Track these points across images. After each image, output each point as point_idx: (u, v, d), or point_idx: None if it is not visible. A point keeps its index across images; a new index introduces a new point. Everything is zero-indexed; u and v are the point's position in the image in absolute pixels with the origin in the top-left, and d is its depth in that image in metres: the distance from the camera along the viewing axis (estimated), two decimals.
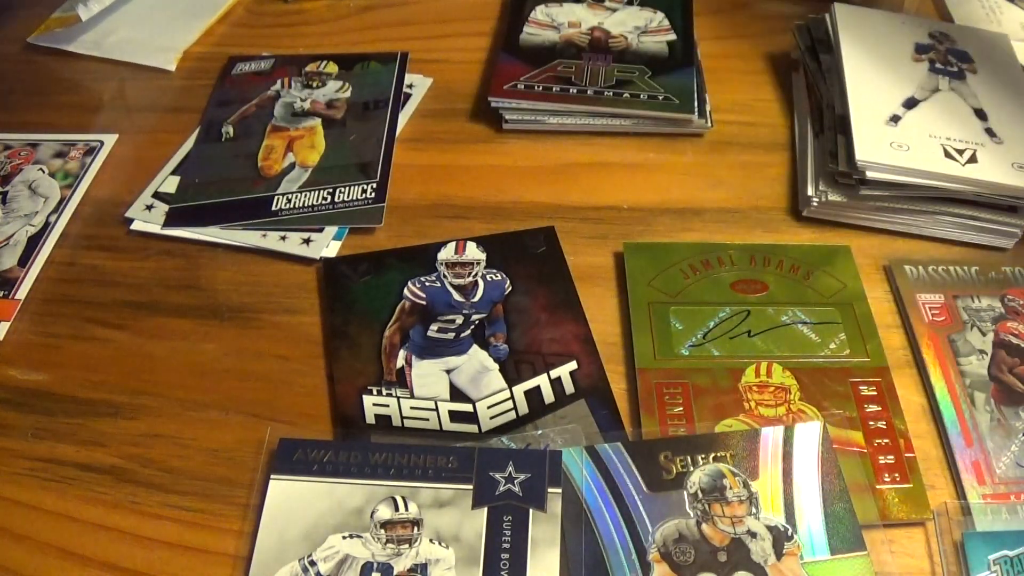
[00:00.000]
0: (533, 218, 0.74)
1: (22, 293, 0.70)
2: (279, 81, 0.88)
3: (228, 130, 0.83)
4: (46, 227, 0.75)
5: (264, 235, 0.73)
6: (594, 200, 0.76)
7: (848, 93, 0.75)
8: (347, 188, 0.76)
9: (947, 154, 0.70)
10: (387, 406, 0.61)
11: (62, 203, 0.77)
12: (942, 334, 0.63)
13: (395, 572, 0.51)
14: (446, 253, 0.70)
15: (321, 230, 0.73)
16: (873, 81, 0.77)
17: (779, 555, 0.51)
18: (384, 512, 0.53)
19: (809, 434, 0.56)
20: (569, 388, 0.61)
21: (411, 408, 0.61)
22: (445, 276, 0.68)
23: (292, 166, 0.78)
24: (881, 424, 0.58)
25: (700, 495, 0.54)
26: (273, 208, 0.74)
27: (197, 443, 0.60)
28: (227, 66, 0.91)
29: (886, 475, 0.56)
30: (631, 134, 0.81)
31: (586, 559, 0.52)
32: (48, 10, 1.01)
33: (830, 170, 0.72)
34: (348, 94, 0.86)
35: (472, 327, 0.65)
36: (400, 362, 0.63)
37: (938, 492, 0.56)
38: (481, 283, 0.68)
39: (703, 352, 0.63)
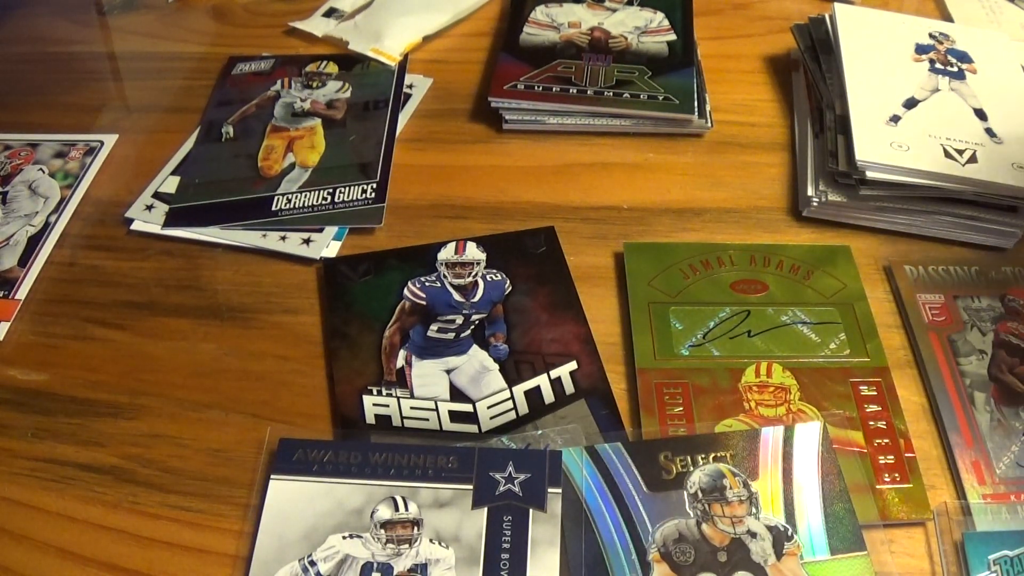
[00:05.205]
0: (533, 218, 0.74)
1: (22, 293, 0.70)
2: (279, 81, 0.88)
3: (228, 130, 0.83)
4: (46, 227, 0.75)
5: (264, 235, 0.73)
6: (594, 200, 0.76)
7: (848, 93, 0.75)
8: (347, 188, 0.76)
9: (947, 154, 0.70)
10: (387, 406, 0.61)
11: (62, 203, 0.77)
12: (942, 334, 0.63)
13: (395, 572, 0.51)
14: (446, 253, 0.70)
15: (321, 230, 0.73)
16: (873, 81, 0.77)
17: (779, 555, 0.51)
18: (384, 512, 0.53)
19: (809, 434, 0.56)
20: (569, 388, 0.61)
21: (411, 408, 0.61)
22: (445, 276, 0.68)
23: (292, 166, 0.78)
24: (881, 424, 0.58)
25: (700, 495, 0.54)
26: (273, 208, 0.74)
27: (197, 443, 0.60)
28: (227, 66, 0.91)
29: (886, 475, 0.56)
30: (631, 134, 0.81)
31: (586, 559, 0.52)
32: (47, 9, 1.01)
33: (830, 170, 0.72)
34: (348, 94, 0.86)
35: (472, 327, 0.65)
36: (400, 362, 0.63)
37: (938, 492, 0.56)
38: (481, 283, 0.68)
39: (703, 352, 0.63)
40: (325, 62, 0.90)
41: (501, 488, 0.54)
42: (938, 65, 0.80)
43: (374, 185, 0.76)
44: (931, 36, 0.83)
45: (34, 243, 0.73)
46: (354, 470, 0.55)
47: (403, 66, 0.89)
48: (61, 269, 0.72)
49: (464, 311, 0.66)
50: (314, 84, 0.87)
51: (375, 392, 0.61)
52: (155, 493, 0.57)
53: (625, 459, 0.55)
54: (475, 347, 0.64)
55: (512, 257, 0.70)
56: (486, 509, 0.53)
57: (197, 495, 0.57)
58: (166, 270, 0.71)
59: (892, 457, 0.56)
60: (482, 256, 0.69)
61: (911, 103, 0.76)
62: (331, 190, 0.76)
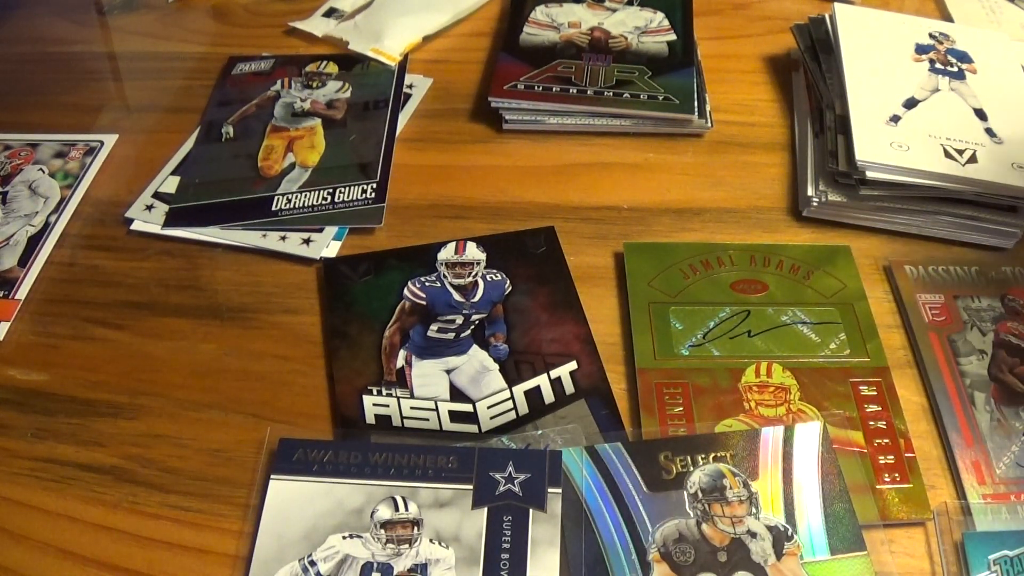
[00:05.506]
0: (533, 218, 0.74)
1: (22, 293, 0.70)
2: (279, 81, 0.88)
3: (228, 130, 0.83)
4: (46, 227, 0.75)
5: (264, 235, 0.73)
6: (594, 200, 0.76)
7: (848, 93, 0.75)
8: (347, 188, 0.76)
9: (947, 154, 0.70)
10: (387, 406, 0.61)
11: (62, 203, 0.77)
12: (942, 334, 0.63)
13: (395, 572, 0.51)
14: (446, 253, 0.70)
15: (321, 230, 0.73)
16: (873, 81, 0.77)
17: (779, 555, 0.51)
18: (384, 512, 0.53)
19: (809, 434, 0.56)
20: (569, 388, 0.61)
21: (411, 408, 0.61)
22: (445, 276, 0.68)
23: (292, 166, 0.78)
24: (881, 424, 0.58)
25: (700, 495, 0.54)
26: (273, 208, 0.74)
27: (197, 443, 0.60)
28: (227, 66, 0.91)
29: (886, 475, 0.56)
30: (631, 134, 0.81)
31: (586, 559, 0.52)
32: (47, 9, 1.01)
33: (830, 170, 0.72)
34: (348, 94, 0.86)
35: (472, 327, 0.65)
36: (400, 362, 0.63)
37: (938, 492, 0.56)
38: (481, 283, 0.68)
39: (703, 352, 0.63)
40: (325, 62, 0.90)
41: (501, 488, 0.54)
42: (938, 65, 0.80)
43: (374, 185, 0.76)
44: (931, 36, 0.83)
45: (34, 243, 0.73)
46: (354, 470, 0.55)
47: (403, 66, 0.89)
48: (61, 269, 0.72)
49: (464, 311, 0.66)
50: (314, 84, 0.87)
51: (375, 392, 0.61)
52: (155, 493, 0.57)
53: (625, 459, 0.55)
54: (475, 347, 0.64)
55: (512, 257, 0.70)
56: (486, 509, 0.53)
57: (197, 495, 0.57)
58: (166, 270, 0.71)
59: (892, 457, 0.56)
60: (482, 256, 0.69)
61: (911, 103, 0.76)
62: (331, 190, 0.76)
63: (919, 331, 0.64)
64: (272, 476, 0.56)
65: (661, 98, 0.81)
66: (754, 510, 0.53)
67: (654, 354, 0.62)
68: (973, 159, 0.70)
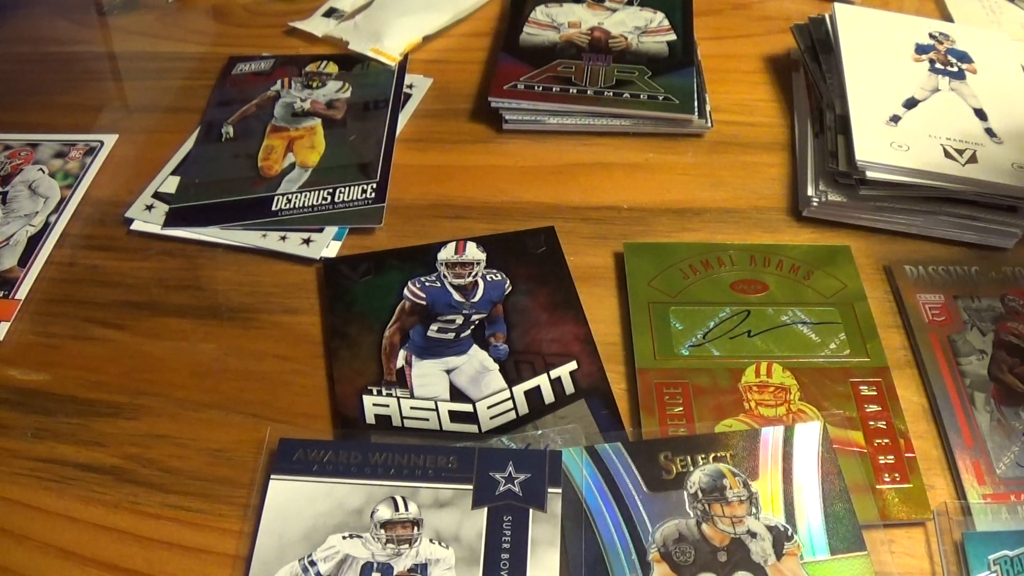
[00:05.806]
0: (533, 218, 0.74)
1: (22, 293, 0.70)
2: (279, 81, 0.88)
3: (228, 130, 0.83)
4: (46, 227, 0.75)
5: (264, 235, 0.73)
6: (594, 200, 0.76)
7: (848, 93, 0.75)
8: (347, 188, 0.76)
9: (947, 154, 0.70)
10: (387, 406, 0.61)
11: (62, 203, 0.77)
12: (942, 334, 0.63)
13: (395, 572, 0.51)
14: (446, 253, 0.70)
15: (321, 230, 0.73)
16: (873, 81, 0.77)
17: (779, 555, 0.51)
18: (384, 512, 0.53)
19: (809, 434, 0.56)
20: (569, 388, 0.61)
21: (411, 408, 0.61)
22: (445, 276, 0.68)
23: (292, 166, 0.78)
24: (881, 424, 0.58)
25: (700, 495, 0.54)
26: (273, 208, 0.74)
27: (197, 443, 0.60)
28: (227, 66, 0.91)
29: (886, 475, 0.56)
30: (631, 134, 0.81)
31: (586, 559, 0.52)
32: (47, 9, 1.01)
33: (830, 170, 0.72)
34: (348, 94, 0.86)
35: (472, 327, 0.65)
36: (400, 362, 0.63)
37: (938, 492, 0.56)
38: (481, 283, 0.68)
39: (703, 352, 0.63)
40: (325, 62, 0.90)
41: (501, 488, 0.54)
42: (938, 65, 0.80)
43: (374, 185, 0.76)
44: (931, 36, 0.83)
45: (34, 243, 0.73)
46: (354, 470, 0.55)
47: (403, 66, 0.89)
48: (61, 269, 0.72)
49: (464, 311, 0.66)
50: (314, 84, 0.87)
51: (375, 392, 0.61)
52: (155, 493, 0.57)
53: (625, 459, 0.55)
54: (475, 347, 0.64)
55: (512, 257, 0.70)
56: (486, 509, 0.53)
57: (197, 495, 0.57)
58: (166, 270, 0.71)
59: (892, 457, 0.57)
60: (482, 256, 0.69)
61: (911, 103, 0.76)
62: (331, 190, 0.76)
63: (919, 331, 0.64)
64: (272, 476, 0.56)
65: (661, 98, 0.81)
66: (754, 510, 0.53)
67: (654, 354, 0.62)
68: (973, 159, 0.70)
